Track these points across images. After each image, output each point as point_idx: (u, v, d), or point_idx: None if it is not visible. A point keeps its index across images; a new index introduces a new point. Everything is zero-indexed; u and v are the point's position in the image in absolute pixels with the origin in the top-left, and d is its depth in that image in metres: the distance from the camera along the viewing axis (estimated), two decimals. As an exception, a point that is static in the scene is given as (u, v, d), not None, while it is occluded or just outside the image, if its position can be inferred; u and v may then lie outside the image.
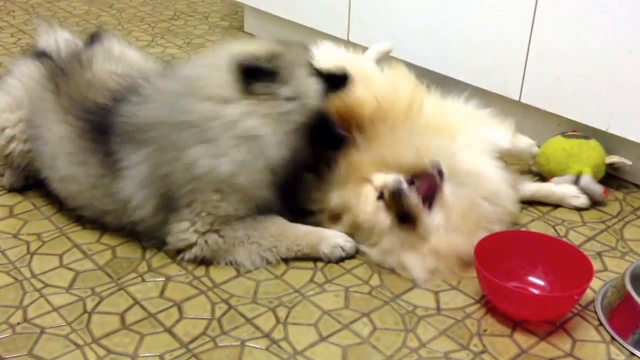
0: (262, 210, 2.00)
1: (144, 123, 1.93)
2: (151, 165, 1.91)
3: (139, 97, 1.98)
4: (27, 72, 2.21)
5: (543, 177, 2.43)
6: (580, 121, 2.43)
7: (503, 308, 1.82)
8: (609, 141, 2.41)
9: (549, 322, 1.80)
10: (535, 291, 1.91)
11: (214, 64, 1.94)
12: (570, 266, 1.86)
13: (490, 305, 1.85)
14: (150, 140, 1.91)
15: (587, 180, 2.35)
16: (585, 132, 2.43)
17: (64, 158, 2.05)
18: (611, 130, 2.37)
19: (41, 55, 2.26)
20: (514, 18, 2.53)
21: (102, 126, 1.97)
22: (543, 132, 2.54)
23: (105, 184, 1.98)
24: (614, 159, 2.41)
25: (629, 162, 2.41)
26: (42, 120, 2.10)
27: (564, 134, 2.46)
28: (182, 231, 1.95)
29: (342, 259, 2.00)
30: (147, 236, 2.03)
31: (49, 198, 2.26)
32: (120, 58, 2.22)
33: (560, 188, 2.35)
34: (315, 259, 2.01)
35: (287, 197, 2.04)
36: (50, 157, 2.09)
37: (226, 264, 1.98)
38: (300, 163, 2.03)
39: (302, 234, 2.01)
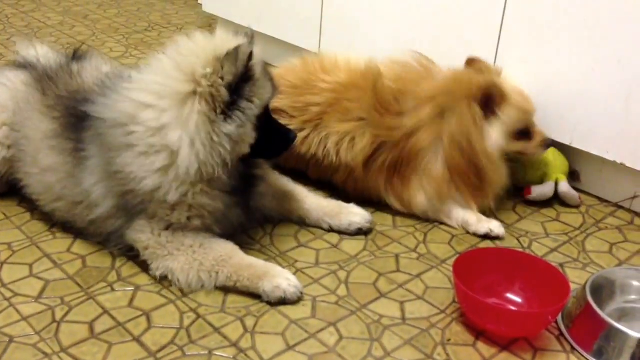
0: (222, 222, 2.01)
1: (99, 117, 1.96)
2: (103, 161, 1.94)
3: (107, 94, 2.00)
4: (13, 78, 2.23)
5: (517, 189, 2.45)
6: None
7: (475, 320, 1.84)
8: (572, 155, 2.47)
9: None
10: (513, 308, 1.91)
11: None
12: (547, 285, 1.86)
13: (454, 315, 1.89)
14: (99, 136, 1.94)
15: (565, 186, 2.42)
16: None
17: (47, 151, 2.06)
18: (575, 145, 2.42)
19: (24, 65, 2.29)
20: (481, 31, 2.58)
21: (78, 117, 2.01)
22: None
23: (76, 173, 2.00)
24: None
25: None
26: (28, 121, 2.12)
27: None
28: (138, 230, 1.96)
29: (283, 302, 1.89)
30: (110, 240, 2.04)
31: (20, 208, 2.27)
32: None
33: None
34: (253, 294, 1.91)
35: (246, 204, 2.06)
36: (33, 153, 2.09)
37: (162, 272, 1.94)
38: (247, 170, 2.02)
39: (246, 265, 1.92)
